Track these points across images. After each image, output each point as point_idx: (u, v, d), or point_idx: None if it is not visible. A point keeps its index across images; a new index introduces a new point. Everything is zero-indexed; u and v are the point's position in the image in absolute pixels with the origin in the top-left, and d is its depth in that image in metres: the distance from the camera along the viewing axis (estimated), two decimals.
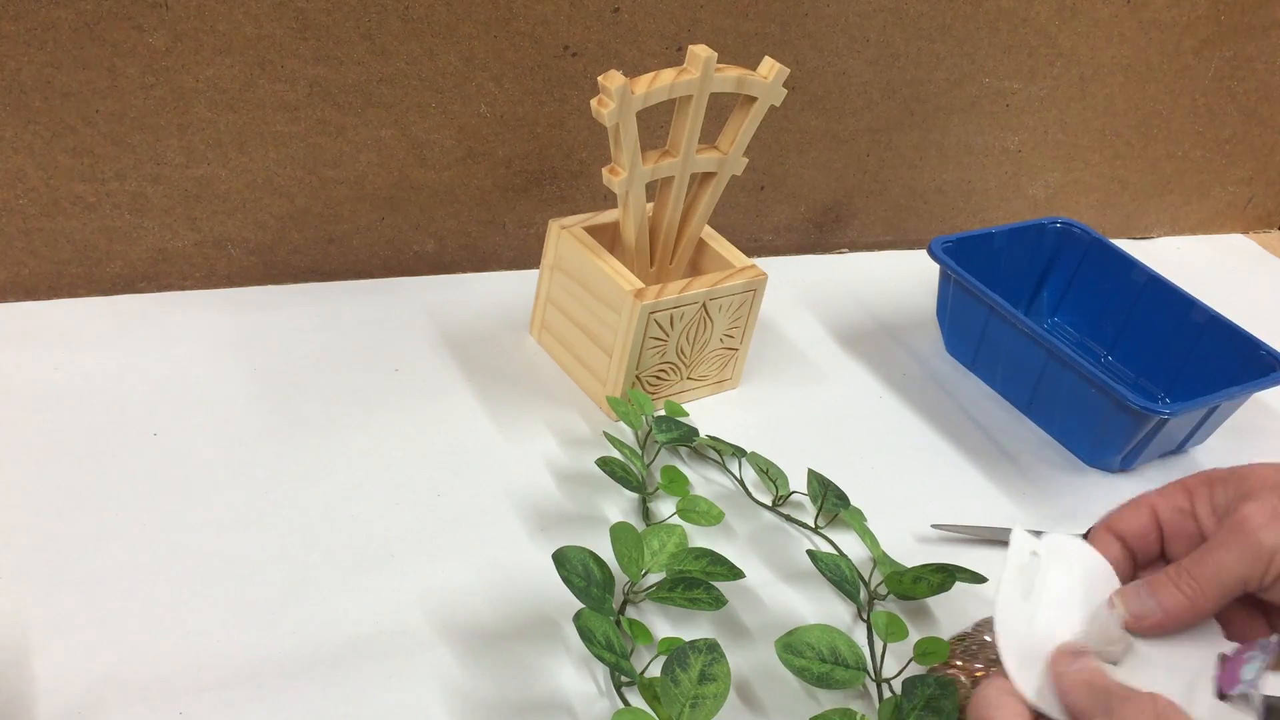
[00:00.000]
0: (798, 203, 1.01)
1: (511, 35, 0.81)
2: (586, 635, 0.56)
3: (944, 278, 0.90)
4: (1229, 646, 0.48)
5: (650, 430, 0.75)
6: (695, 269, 0.83)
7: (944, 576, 0.67)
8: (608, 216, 0.81)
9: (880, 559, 0.70)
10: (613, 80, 0.68)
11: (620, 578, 0.64)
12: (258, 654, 0.58)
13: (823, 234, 1.04)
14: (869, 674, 0.61)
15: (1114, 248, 0.95)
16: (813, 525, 0.73)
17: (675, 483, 0.72)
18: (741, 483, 0.76)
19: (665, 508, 0.72)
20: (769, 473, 0.74)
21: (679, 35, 0.86)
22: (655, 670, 0.58)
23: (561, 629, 0.63)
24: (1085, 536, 0.52)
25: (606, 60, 0.84)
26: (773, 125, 0.92)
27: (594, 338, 0.77)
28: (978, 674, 0.61)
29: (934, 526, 0.75)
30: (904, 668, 0.63)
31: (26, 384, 0.71)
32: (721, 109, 0.76)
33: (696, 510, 0.70)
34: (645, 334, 0.75)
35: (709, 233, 0.83)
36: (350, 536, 0.65)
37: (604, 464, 0.69)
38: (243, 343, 0.78)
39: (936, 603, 0.70)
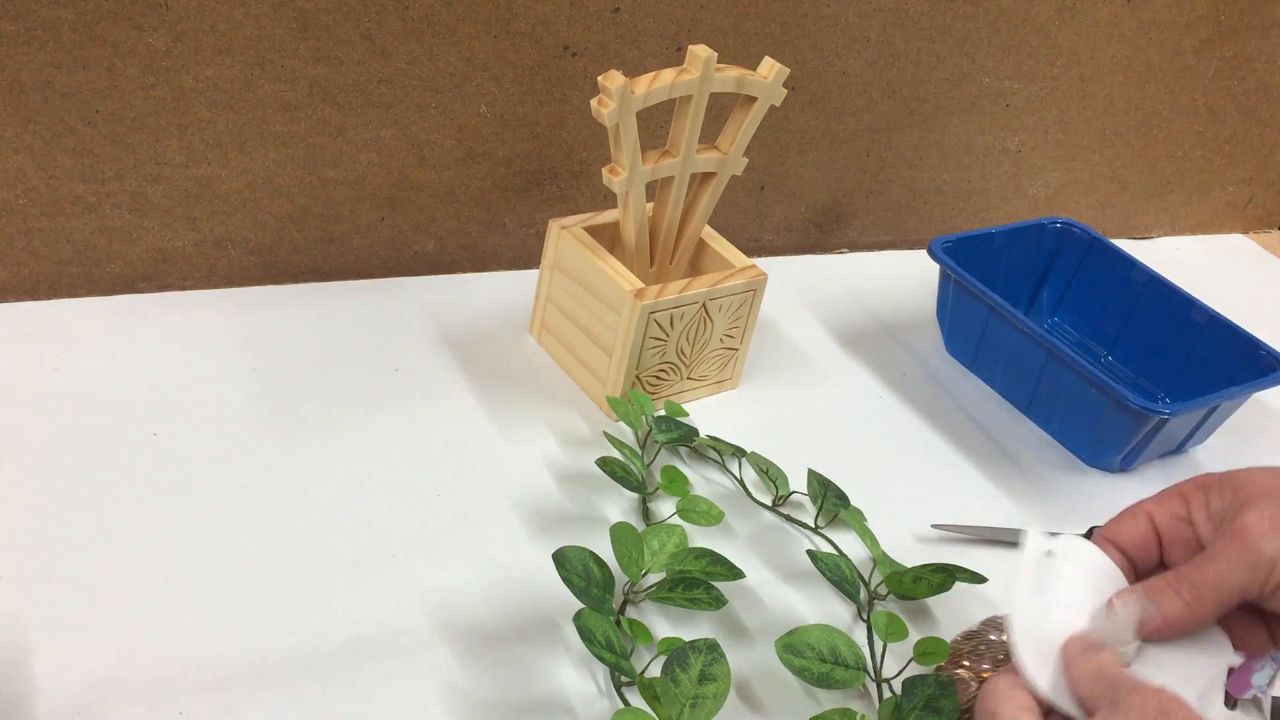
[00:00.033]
0: (798, 203, 1.01)
1: (511, 35, 0.81)
2: (586, 635, 0.56)
3: (944, 278, 0.90)
4: (1237, 659, 0.48)
5: (650, 430, 0.75)
6: (695, 269, 0.83)
7: (944, 576, 0.67)
8: (608, 216, 0.81)
9: (880, 559, 0.70)
10: (613, 80, 0.68)
11: (620, 578, 0.64)
12: (258, 654, 0.58)
13: (823, 234, 1.04)
14: (869, 674, 0.61)
15: (1114, 248, 0.95)
16: (813, 525, 0.73)
17: (675, 483, 0.72)
18: (741, 483, 0.76)
19: (665, 508, 0.72)
20: (769, 473, 0.74)
21: (679, 35, 0.86)
22: (655, 670, 0.58)
23: (561, 629, 0.63)
24: (1086, 537, 0.52)
25: (606, 60, 0.84)
26: (773, 125, 0.92)
27: (594, 338, 0.78)
28: (985, 674, 0.61)
29: (934, 526, 0.75)
30: (904, 668, 0.63)
31: (26, 384, 0.71)
32: (721, 109, 0.76)
33: (696, 510, 0.70)
34: (645, 334, 0.75)
35: (709, 233, 0.83)
36: (350, 536, 0.65)
37: (604, 464, 0.69)
38: (243, 343, 0.78)
39: (936, 603, 0.70)
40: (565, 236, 0.78)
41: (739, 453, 0.76)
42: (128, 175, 0.76)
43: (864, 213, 1.05)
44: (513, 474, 0.72)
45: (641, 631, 0.62)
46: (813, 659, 0.59)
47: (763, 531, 0.73)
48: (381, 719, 0.56)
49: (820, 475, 0.74)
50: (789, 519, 0.74)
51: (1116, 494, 0.81)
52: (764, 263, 0.87)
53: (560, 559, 0.59)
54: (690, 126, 0.74)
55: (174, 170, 0.77)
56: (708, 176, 0.78)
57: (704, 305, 0.77)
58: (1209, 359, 0.88)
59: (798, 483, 0.75)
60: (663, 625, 0.64)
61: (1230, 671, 0.47)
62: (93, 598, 0.59)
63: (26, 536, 0.61)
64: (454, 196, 0.86)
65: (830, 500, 0.72)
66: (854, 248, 1.07)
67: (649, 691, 0.57)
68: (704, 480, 0.75)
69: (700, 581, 0.62)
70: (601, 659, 0.55)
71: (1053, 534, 0.52)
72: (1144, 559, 0.51)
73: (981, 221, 1.11)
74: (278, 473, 0.68)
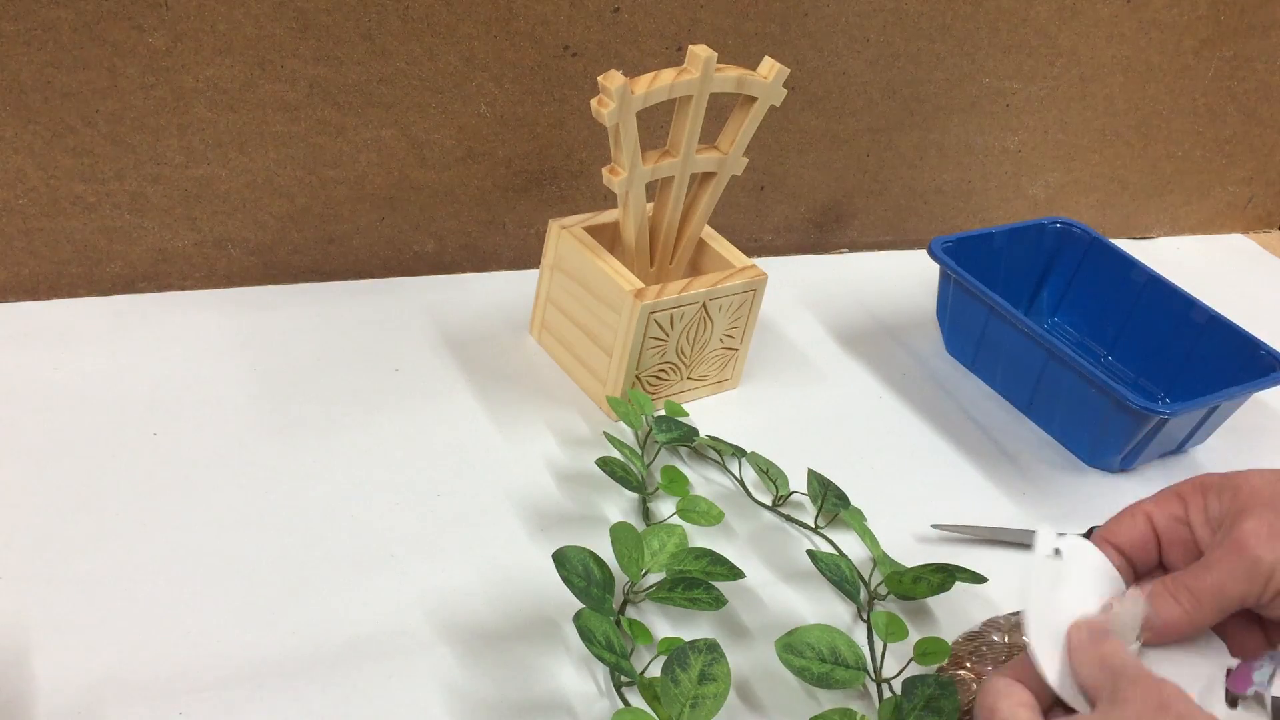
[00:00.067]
0: (798, 203, 1.01)
1: (511, 35, 0.81)
2: (586, 635, 0.56)
3: (944, 278, 0.90)
4: (1234, 662, 0.48)
5: (650, 430, 0.75)
6: (695, 269, 0.83)
7: (944, 576, 0.67)
8: (608, 216, 0.81)
9: (880, 559, 0.70)
10: (613, 80, 0.68)
11: (620, 578, 0.64)
12: (258, 654, 0.58)
13: (823, 234, 1.04)
14: (869, 674, 0.61)
15: (1114, 248, 0.95)
16: (813, 525, 0.73)
17: (675, 483, 0.72)
18: (741, 483, 0.76)
19: (665, 508, 0.72)
20: (769, 473, 0.74)
21: (679, 35, 0.86)
22: (655, 670, 0.58)
23: (561, 629, 0.63)
24: (1085, 537, 0.52)
25: (606, 60, 0.84)
26: (773, 125, 0.92)
27: (594, 338, 0.78)
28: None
29: (934, 526, 0.75)
30: (904, 668, 0.63)
31: (26, 384, 0.71)
32: (721, 109, 0.76)
33: (696, 510, 0.70)
34: (645, 334, 0.75)
35: (709, 233, 0.83)
36: (350, 536, 0.65)
37: (604, 464, 0.69)
38: (243, 343, 0.78)
39: (936, 603, 0.69)
40: (565, 236, 0.78)
41: (739, 453, 0.76)
42: (128, 175, 0.76)
43: (864, 213, 1.05)
44: (513, 474, 0.72)
45: (641, 631, 0.62)
46: (813, 659, 0.59)
47: (763, 531, 0.73)
48: (381, 719, 0.56)
49: (820, 475, 0.74)
50: (789, 519, 0.74)
51: (1116, 494, 0.81)
52: (764, 263, 0.87)
53: (560, 559, 0.59)
54: (690, 126, 0.74)
55: (174, 170, 0.77)
56: (708, 176, 0.78)
57: (704, 305, 0.77)
58: (1209, 359, 0.88)
59: (798, 483, 0.75)
60: (663, 625, 0.64)
61: (1229, 672, 0.47)
62: (93, 598, 0.59)
63: (26, 536, 0.61)
64: (454, 196, 0.86)
65: (830, 500, 0.72)
66: (854, 248, 1.07)
67: (649, 691, 0.57)
68: (704, 480, 0.75)
69: (700, 581, 0.62)
70: (601, 659, 0.55)
71: (1060, 534, 0.52)
72: (1142, 559, 0.51)
73: (981, 221, 1.11)
74: (278, 473, 0.68)
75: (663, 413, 0.78)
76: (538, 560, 0.66)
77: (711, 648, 0.56)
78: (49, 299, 0.78)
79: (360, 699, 0.57)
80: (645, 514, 0.71)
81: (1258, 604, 0.47)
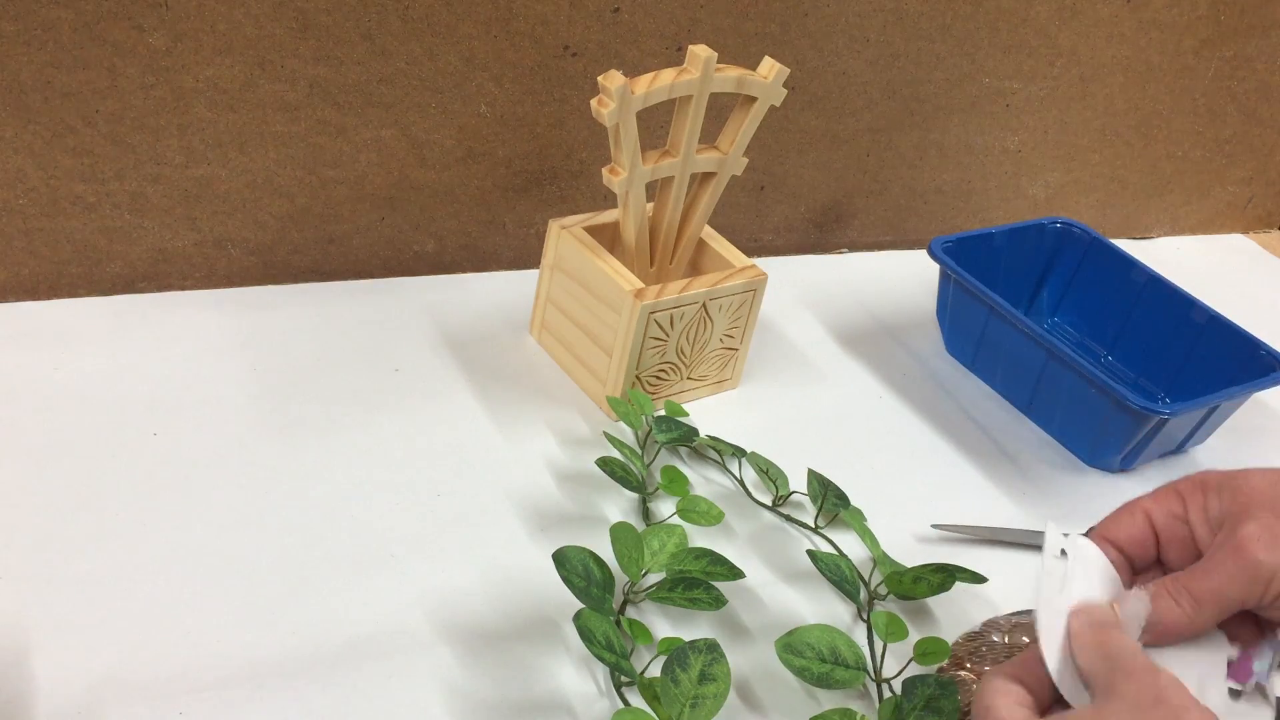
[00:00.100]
0: (798, 203, 1.01)
1: (511, 35, 0.81)
2: (586, 635, 0.56)
3: (944, 278, 0.90)
4: (1234, 651, 0.48)
5: (650, 430, 0.75)
6: (695, 269, 0.83)
7: (944, 576, 0.67)
8: (608, 216, 0.81)
9: (880, 559, 0.70)
10: (613, 80, 0.68)
11: (620, 578, 0.64)
12: (258, 654, 0.58)
13: (823, 234, 1.04)
14: (869, 674, 0.61)
15: (1114, 248, 0.95)
16: (813, 525, 0.73)
17: (675, 483, 0.72)
18: (741, 483, 0.76)
19: (665, 508, 0.72)
20: (769, 473, 0.74)
21: (679, 35, 0.86)
22: (655, 670, 0.58)
23: (561, 629, 0.63)
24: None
25: (606, 60, 0.84)
26: (773, 125, 0.92)
27: (594, 338, 0.77)
28: None
29: (934, 526, 0.75)
30: (904, 668, 0.63)
31: (26, 384, 0.71)
32: (721, 109, 0.76)
33: (696, 510, 0.70)
34: (645, 334, 0.75)
35: (709, 233, 0.83)
36: (350, 536, 0.65)
37: (604, 464, 0.69)
38: (243, 343, 0.78)
39: (936, 603, 0.69)
40: (565, 236, 0.78)
41: (739, 453, 0.76)
42: (128, 175, 0.76)
43: (864, 213, 1.05)
44: (513, 474, 0.72)
45: (641, 631, 0.62)
46: (813, 659, 0.59)
47: (763, 531, 0.73)
48: (381, 719, 0.56)
49: (820, 475, 0.74)
50: (789, 519, 0.74)
51: (1116, 494, 0.81)
52: (764, 263, 0.87)
53: (560, 559, 0.59)
54: (690, 126, 0.74)
55: (174, 170, 0.77)
56: (708, 176, 0.78)
57: (704, 305, 0.77)
58: (1209, 359, 0.88)
59: (798, 483, 0.75)
60: (663, 625, 0.64)
61: (1229, 664, 0.47)
62: (93, 598, 0.59)
63: (26, 536, 0.61)
64: (454, 196, 0.86)
65: (830, 500, 0.72)
66: (854, 248, 1.07)
67: (649, 691, 0.57)
68: (704, 480, 0.75)
69: (700, 581, 0.62)
70: (601, 659, 0.55)
71: (1065, 534, 0.52)
72: (1140, 557, 0.51)
73: (981, 221, 1.11)
74: (278, 473, 0.68)
75: (663, 413, 0.78)
76: (538, 560, 0.66)
77: (711, 648, 0.56)
78: (49, 299, 0.78)
79: (360, 699, 0.57)
80: (645, 514, 0.71)
81: (1258, 606, 0.47)
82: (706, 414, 0.81)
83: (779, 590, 0.69)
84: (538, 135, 0.86)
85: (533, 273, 0.84)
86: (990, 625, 0.65)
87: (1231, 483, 0.49)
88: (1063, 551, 0.50)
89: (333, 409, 0.74)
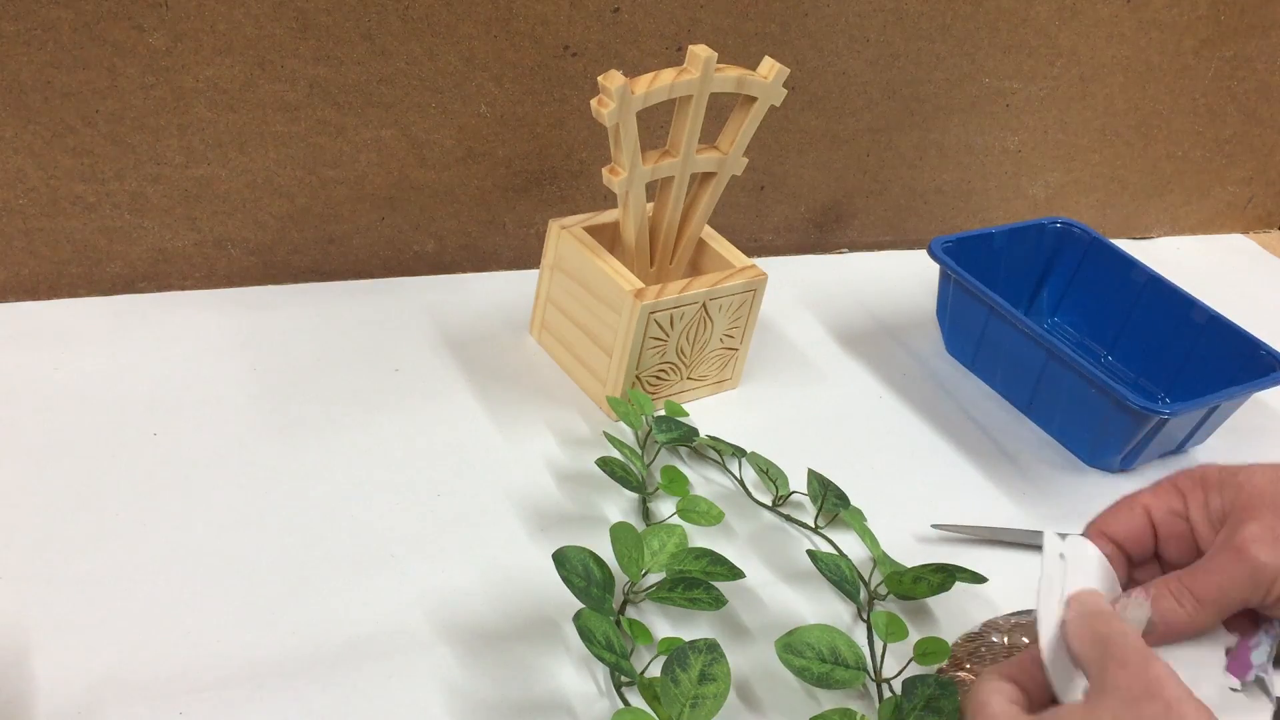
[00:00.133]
0: (798, 203, 1.01)
1: (511, 35, 0.81)
2: (586, 635, 0.56)
3: (944, 278, 0.90)
4: (1232, 639, 0.48)
5: (650, 430, 0.75)
6: (695, 269, 0.83)
7: (944, 576, 0.67)
8: (608, 216, 0.81)
9: (880, 559, 0.70)
10: (613, 80, 0.68)
11: (620, 578, 0.64)
12: (258, 654, 0.58)
13: (823, 234, 1.04)
14: (869, 674, 0.61)
15: (1114, 248, 0.95)
16: (813, 525, 0.73)
17: (675, 483, 0.72)
18: (741, 483, 0.76)
19: (665, 508, 0.72)
20: (769, 473, 0.74)
21: (679, 35, 0.86)
22: (655, 670, 0.58)
23: (561, 629, 0.63)
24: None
25: (606, 60, 0.84)
26: (773, 125, 0.92)
27: (594, 338, 0.77)
28: None
29: (934, 526, 0.75)
30: (904, 668, 0.63)
31: (26, 384, 0.71)
32: (721, 109, 0.76)
33: (696, 510, 0.70)
34: (645, 334, 0.75)
35: (709, 233, 0.83)
36: (350, 536, 0.65)
37: (604, 464, 0.69)
38: (243, 343, 0.78)
39: (936, 603, 0.69)
40: (565, 236, 0.78)
41: (739, 453, 0.75)
42: (128, 175, 0.76)
43: (864, 213, 1.05)
44: (513, 474, 0.72)
45: (641, 631, 0.62)
46: (813, 659, 0.59)
47: (763, 531, 0.73)
48: (381, 719, 0.56)
49: (820, 475, 0.74)
50: (789, 519, 0.74)
51: (1116, 494, 0.80)
52: (764, 263, 0.87)
53: (560, 559, 0.59)
54: (690, 126, 0.74)
55: (174, 170, 0.77)
56: (708, 176, 0.78)
57: (704, 305, 0.77)
58: (1209, 359, 0.88)
59: (798, 483, 0.75)
60: (663, 625, 0.64)
61: (1228, 653, 0.47)
62: (93, 598, 0.59)
63: (26, 536, 0.61)
64: (454, 196, 0.86)
65: (830, 500, 0.72)
66: (854, 248, 1.07)
67: (649, 691, 0.57)
68: (704, 480, 0.75)
69: (700, 581, 0.62)
70: (601, 659, 0.55)
71: (1063, 535, 0.52)
72: (1138, 552, 0.51)
73: (981, 221, 1.11)
74: (278, 473, 0.68)
75: (663, 413, 0.78)
76: (538, 560, 0.66)
77: (711, 648, 0.56)
78: (49, 299, 0.78)
79: (360, 699, 0.57)
80: (645, 514, 0.71)
81: (1261, 605, 0.47)
82: (706, 414, 0.81)
83: (779, 590, 0.69)
84: (538, 135, 0.86)
85: (533, 273, 0.84)
86: (989, 626, 0.65)
87: (1233, 480, 0.49)
88: (1061, 555, 0.50)
89: (333, 409, 0.74)
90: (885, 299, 0.99)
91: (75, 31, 0.70)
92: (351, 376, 0.77)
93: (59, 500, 0.64)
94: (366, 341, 0.80)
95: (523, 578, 0.65)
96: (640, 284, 0.74)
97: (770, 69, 0.74)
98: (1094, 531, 0.51)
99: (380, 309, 0.83)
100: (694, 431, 0.76)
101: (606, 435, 0.74)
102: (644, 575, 0.64)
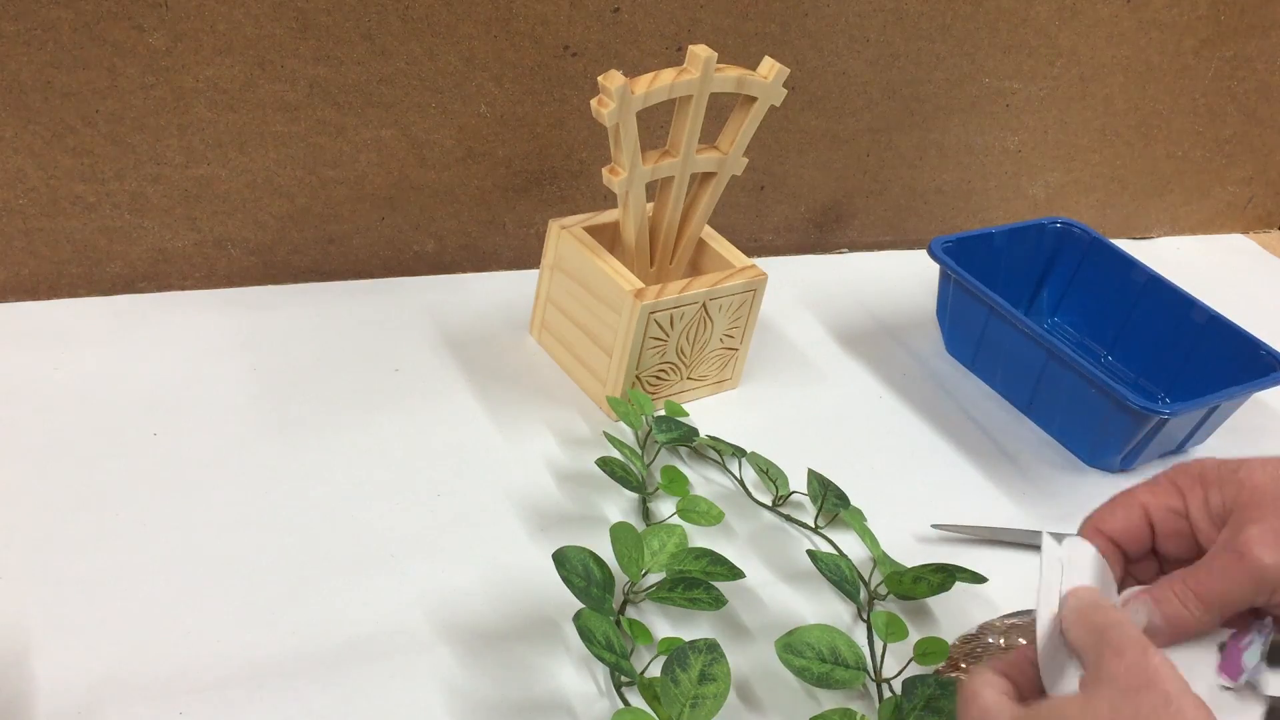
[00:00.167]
0: (798, 203, 1.01)
1: (511, 35, 0.81)
2: (586, 635, 0.56)
3: (944, 278, 0.90)
4: (1225, 634, 0.48)
5: (650, 430, 0.75)
6: (695, 269, 0.83)
7: (944, 576, 0.67)
8: (608, 216, 0.81)
9: (880, 559, 0.70)
10: (613, 80, 0.68)
11: (620, 578, 0.64)
12: (258, 654, 0.58)
13: (823, 234, 1.04)
14: (869, 674, 0.61)
15: (1114, 248, 0.95)
16: (813, 525, 0.73)
17: (675, 483, 0.72)
18: (741, 483, 0.76)
19: (665, 508, 0.72)
20: (769, 473, 0.74)
21: (679, 35, 0.86)
22: (655, 670, 0.58)
23: (561, 629, 0.63)
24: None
25: (606, 60, 0.84)
26: (773, 125, 0.92)
27: (594, 338, 0.77)
28: None
29: (934, 526, 0.75)
30: (904, 668, 0.63)
31: (26, 384, 0.71)
32: (721, 109, 0.76)
33: (696, 510, 0.70)
34: (645, 334, 0.75)
35: (709, 233, 0.83)
36: (350, 536, 0.65)
37: (604, 464, 0.69)
38: (243, 343, 0.78)
39: (936, 603, 0.69)
40: (565, 236, 0.78)
41: (739, 453, 0.75)
42: (128, 175, 0.76)
43: (864, 213, 1.05)
44: (513, 474, 0.72)
45: (641, 631, 0.62)
46: (813, 659, 0.59)
47: (763, 531, 0.73)
48: (381, 719, 0.56)
49: (820, 475, 0.74)
50: (789, 519, 0.74)
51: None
52: (764, 263, 0.87)
53: (560, 559, 0.59)
54: (690, 126, 0.74)
55: (174, 170, 0.77)
56: (708, 176, 0.78)
57: (704, 305, 0.77)
58: (1209, 359, 0.88)
59: (798, 483, 0.75)
60: (663, 625, 0.64)
61: (1220, 649, 0.47)
62: (93, 598, 0.59)
63: (26, 536, 0.61)
64: (454, 196, 0.86)
65: (830, 500, 0.72)
66: (854, 248, 1.07)
67: (649, 691, 0.57)
68: (704, 480, 0.75)
69: (700, 581, 0.62)
70: (601, 659, 0.55)
71: (1058, 535, 0.52)
72: (1135, 549, 0.51)
73: (981, 221, 1.11)
74: (278, 473, 0.68)
75: (663, 413, 0.78)
76: (538, 560, 0.66)
77: (711, 648, 0.56)
78: (49, 299, 0.78)
79: (360, 699, 0.57)
80: (645, 514, 0.71)
81: (1264, 606, 0.47)
82: (706, 414, 0.81)
83: (779, 590, 0.69)
84: (538, 135, 0.86)
85: (533, 273, 0.84)
86: (986, 628, 0.65)
87: (1233, 476, 0.49)
88: (1059, 557, 0.50)
89: (333, 409, 0.74)
90: (885, 299, 0.99)
91: (75, 31, 0.70)
92: (351, 376, 0.77)
93: (59, 500, 0.64)
94: (366, 341, 0.80)
95: (523, 578, 0.65)
96: (640, 284, 0.74)
97: (770, 69, 0.74)
98: (1090, 528, 0.51)
99: (380, 309, 0.83)
100: (694, 431, 0.76)
101: (606, 435, 0.74)
102: (644, 575, 0.64)
